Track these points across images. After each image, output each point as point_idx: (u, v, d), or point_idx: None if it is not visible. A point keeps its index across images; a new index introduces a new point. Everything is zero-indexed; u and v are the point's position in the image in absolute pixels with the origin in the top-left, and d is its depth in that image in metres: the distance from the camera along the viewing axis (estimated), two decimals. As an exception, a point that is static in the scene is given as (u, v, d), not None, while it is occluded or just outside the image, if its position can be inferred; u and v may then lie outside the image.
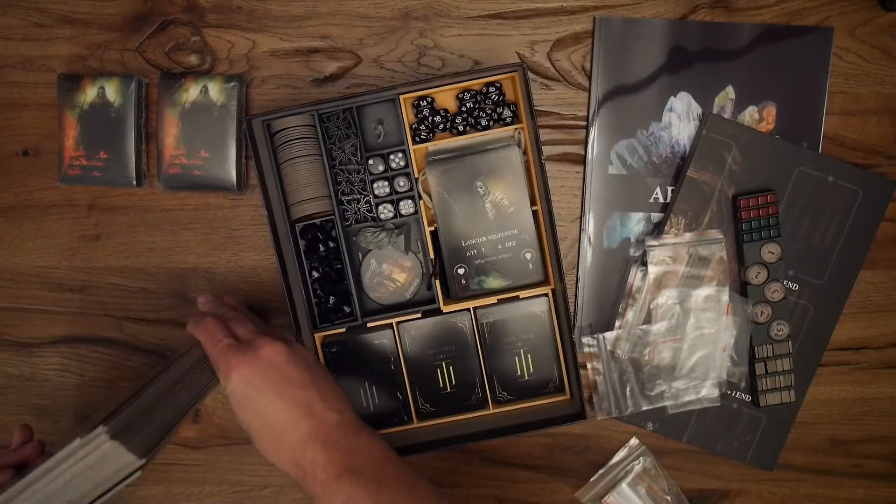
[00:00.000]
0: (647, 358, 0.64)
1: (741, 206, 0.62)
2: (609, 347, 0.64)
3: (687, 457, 0.66)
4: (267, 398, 0.51)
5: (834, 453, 0.67)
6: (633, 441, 0.66)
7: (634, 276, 0.64)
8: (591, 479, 0.66)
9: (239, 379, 0.51)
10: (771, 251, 0.62)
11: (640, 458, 0.65)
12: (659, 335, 0.63)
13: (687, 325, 0.63)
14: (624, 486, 0.64)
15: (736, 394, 0.65)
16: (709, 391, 0.64)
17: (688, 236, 0.63)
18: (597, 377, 0.65)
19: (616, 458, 0.66)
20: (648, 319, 0.63)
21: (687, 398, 0.64)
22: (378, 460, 0.51)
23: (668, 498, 0.65)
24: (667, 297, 0.63)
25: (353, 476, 0.49)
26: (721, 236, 0.63)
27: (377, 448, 0.52)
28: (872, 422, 0.67)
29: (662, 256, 0.63)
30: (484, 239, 0.61)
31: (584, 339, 0.64)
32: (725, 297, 0.63)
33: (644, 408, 0.64)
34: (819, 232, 0.64)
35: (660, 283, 0.63)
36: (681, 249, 0.63)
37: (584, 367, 0.65)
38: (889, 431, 0.67)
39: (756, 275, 0.62)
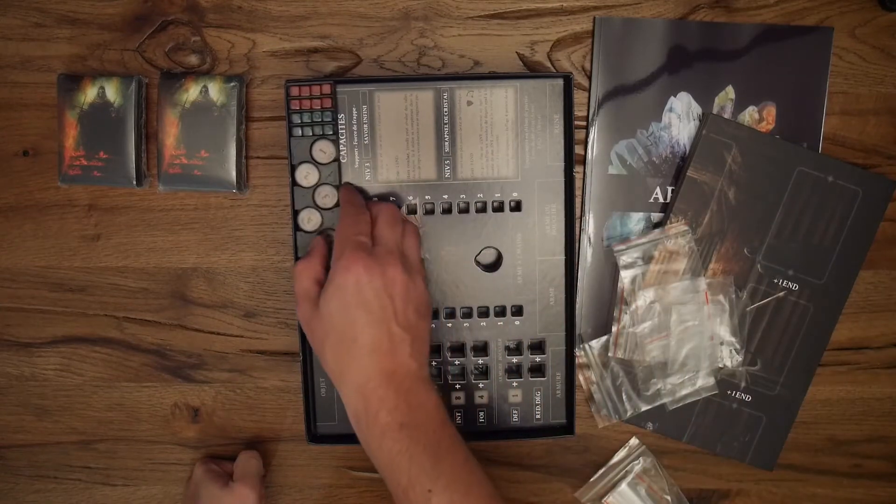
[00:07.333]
0: (638, 359, 0.64)
1: (291, 94, 0.57)
2: (597, 354, 0.64)
3: (687, 457, 0.66)
4: (366, 315, 0.50)
5: (834, 453, 0.67)
6: (633, 441, 0.66)
7: (623, 279, 0.63)
8: (591, 479, 0.66)
9: (355, 279, 0.50)
10: (323, 150, 0.58)
11: (640, 458, 0.65)
12: (645, 335, 0.63)
13: (670, 321, 0.63)
14: (624, 486, 0.64)
15: (736, 394, 0.65)
16: (704, 381, 0.64)
17: (654, 233, 0.63)
18: (590, 386, 0.65)
19: (616, 458, 0.66)
20: (635, 321, 0.63)
21: (684, 392, 0.64)
22: (439, 423, 0.50)
23: (668, 498, 0.65)
24: (644, 298, 0.63)
25: (415, 431, 0.48)
26: (686, 227, 0.63)
27: (440, 412, 0.51)
28: (872, 422, 0.67)
29: (632, 258, 0.63)
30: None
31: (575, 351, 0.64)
32: (702, 285, 0.63)
33: (643, 408, 0.64)
34: (819, 232, 0.64)
35: (635, 285, 0.63)
36: (649, 248, 0.63)
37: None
38: (889, 431, 0.67)
39: (306, 175, 0.58)
